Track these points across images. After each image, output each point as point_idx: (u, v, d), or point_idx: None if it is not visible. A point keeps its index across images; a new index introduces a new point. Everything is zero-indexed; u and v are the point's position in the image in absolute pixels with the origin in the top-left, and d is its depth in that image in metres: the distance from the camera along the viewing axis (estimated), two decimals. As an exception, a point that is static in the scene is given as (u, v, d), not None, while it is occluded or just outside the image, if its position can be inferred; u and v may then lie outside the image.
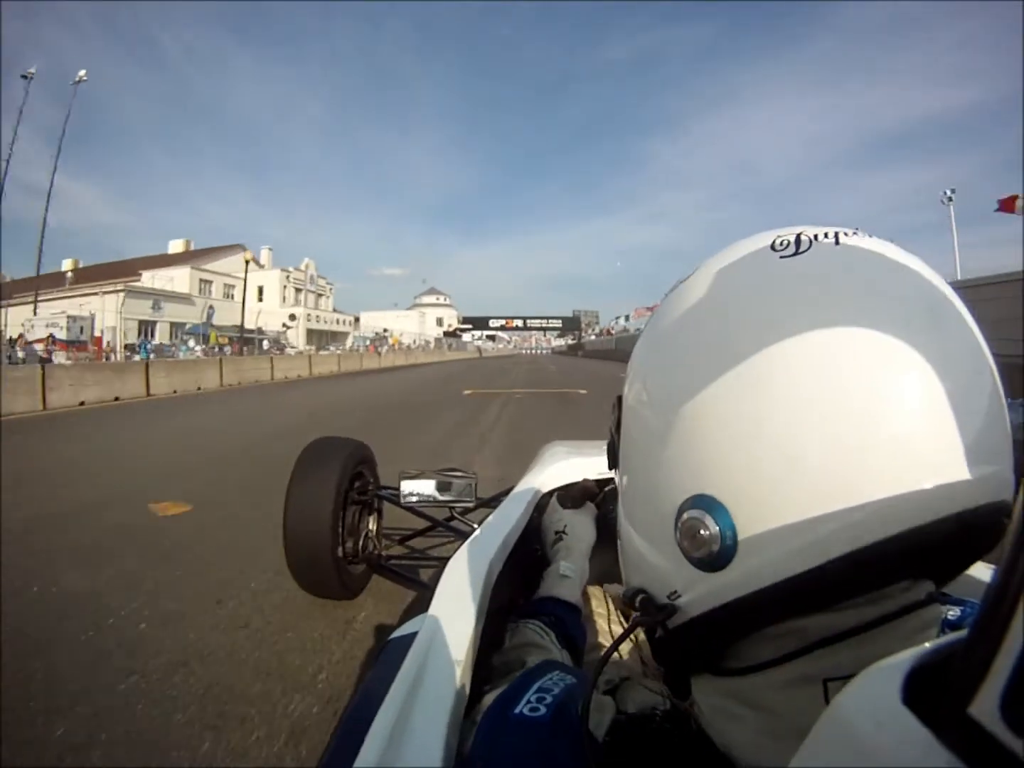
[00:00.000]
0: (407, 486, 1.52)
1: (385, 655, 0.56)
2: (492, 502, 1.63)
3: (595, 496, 0.84)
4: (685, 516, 0.29)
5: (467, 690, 0.46)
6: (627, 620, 0.75)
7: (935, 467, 0.25)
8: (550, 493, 0.93)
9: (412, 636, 0.51)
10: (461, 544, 0.71)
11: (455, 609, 0.54)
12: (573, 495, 0.82)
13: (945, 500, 0.25)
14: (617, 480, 0.38)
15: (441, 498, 1.53)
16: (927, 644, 0.19)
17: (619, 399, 0.38)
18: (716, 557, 0.28)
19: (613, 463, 0.38)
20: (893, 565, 0.26)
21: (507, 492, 1.14)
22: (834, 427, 0.26)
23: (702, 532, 0.28)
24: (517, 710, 0.35)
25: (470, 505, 1.57)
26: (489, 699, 0.40)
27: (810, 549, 0.26)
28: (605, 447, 1.24)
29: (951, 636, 0.19)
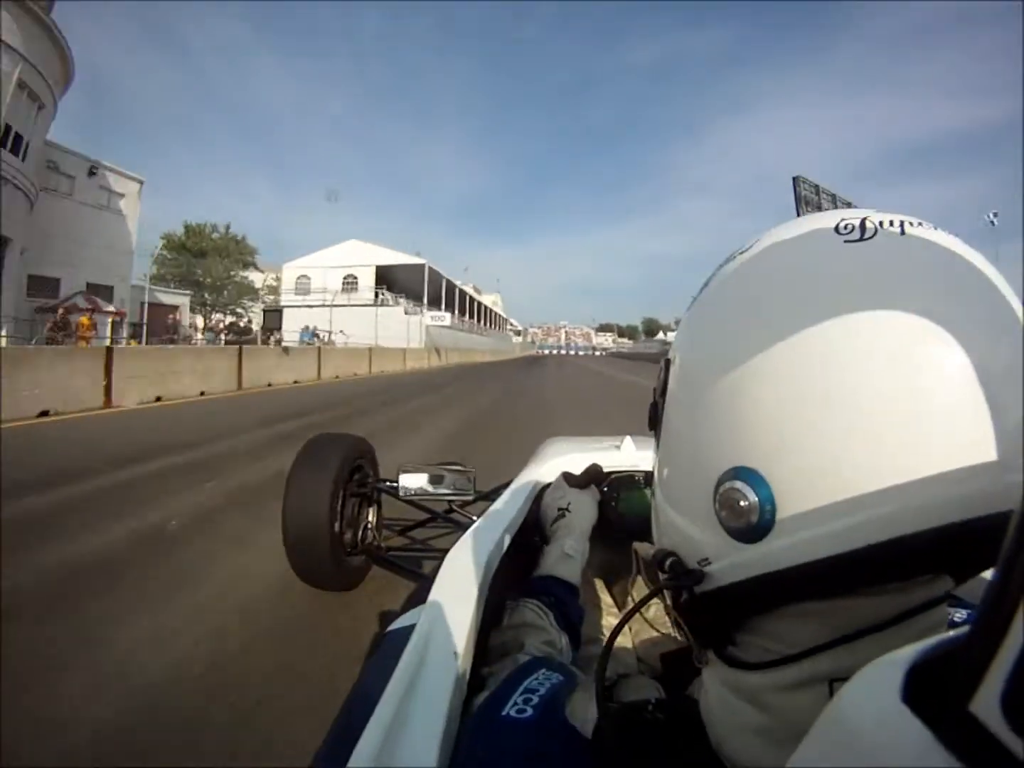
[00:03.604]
0: (406, 479, 1.61)
1: (384, 646, 0.61)
2: (491, 495, 1.70)
3: (601, 481, 0.90)
4: (725, 486, 0.31)
5: (467, 681, 0.49)
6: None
7: (980, 466, 0.27)
8: (550, 485, 0.98)
9: (411, 628, 0.54)
10: (460, 536, 0.76)
11: (454, 601, 0.58)
12: (580, 475, 0.87)
13: (987, 499, 0.26)
14: (655, 443, 0.41)
15: (440, 492, 1.61)
16: (927, 641, 0.20)
17: (666, 362, 0.40)
18: (752, 529, 0.30)
19: (653, 425, 0.41)
20: (926, 557, 0.28)
21: (506, 485, 1.19)
22: (884, 413, 0.27)
23: (741, 503, 0.30)
24: (504, 712, 0.37)
25: (469, 498, 1.66)
26: (478, 701, 0.43)
27: (848, 532, 0.27)
28: (605, 443, 1.31)
29: (951, 633, 0.20)
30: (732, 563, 0.32)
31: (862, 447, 0.27)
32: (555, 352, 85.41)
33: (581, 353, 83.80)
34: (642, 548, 0.82)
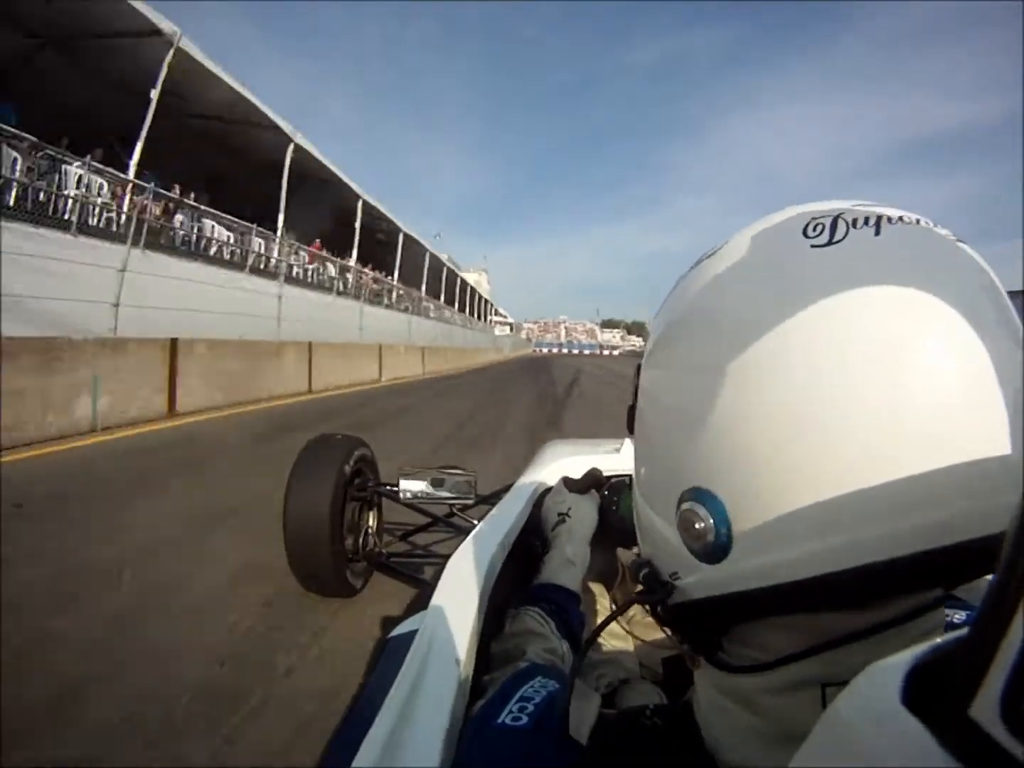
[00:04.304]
0: (406, 483, 1.64)
1: (387, 652, 0.63)
2: (492, 499, 1.72)
3: (601, 485, 0.91)
4: (684, 506, 0.31)
5: (469, 687, 0.50)
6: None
7: (965, 487, 0.25)
8: (550, 489, 0.99)
9: (413, 633, 0.56)
10: (461, 541, 0.77)
11: (456, 606, 0.59)
12: (580, 480, 0.89)
13: (976, 521, 0.25)
14: (633, 449, 0.41)
15: (440, 495, 1.64)
16: (927, 644, 0.20)
17: (638, 367, 0.40)
18: (710, 551, 0.30)
19: (631, 428, 0.41)
20: (899, 582, 0.27)
21: (507, 489, 1.23)
22: (843, 436, 0.26)
23: (697, 525, 0.30)
24: (499, 720, 0.38)
25: (470, 502, 1.68)
26: (475, 709, 0.44)
27: (809, 559, 0.27)
28: (606, 446, 1.33)
29: (951, 636, 0.20)
30: (697, 580, 0.32)
31: (822, 470, 0.26)
32: (555, 351, 72.56)
33: (587, 353, 70.60)
34: (624, 555, 0.84)
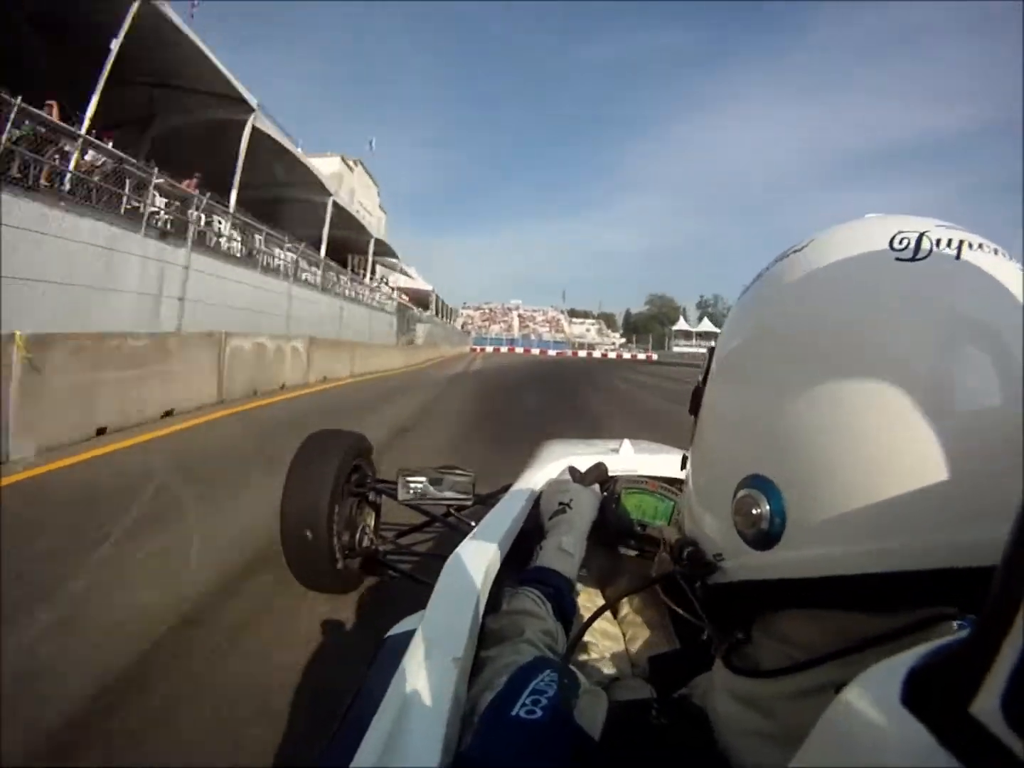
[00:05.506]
0: (405, 482, 1.66)
1: (383, 652, 0.65)
2: (490, 499, 1.74)
3: (605, 481, 0.93)
4: (742, 493, 0.33)
5: (466, 688, 0.50)
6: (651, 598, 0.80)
7: (999, 515, 0.25)
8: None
9: (410, 633, 0.57)
10: (460, 541, 0.78)
11: (453, 606, 0.60)
12: (586, 473, 0.91)
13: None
14: (692, 429, 0.42)
15: (439, 495, 1.66)
16: (926, 646, 0.21)
17: (711, 349, 0.41)
18: (762, 537, 0.32)
19: (694, 409, 0.42)
20: (938, 592, 0.28)
21: (505, 489, 1.26)
22: (908, 448, 0.28)
23: (753, 511, 0.32)
24: (514, 712, 0.38)
25: (468, 503, 1.71)
26: (484, 700, 0.45)
27: (858, 558, 0.28)
28: (604, 446, 1.52)
29: (951, 637, 0.21)
30: (742, 564, 0.34)
31: (885, 476, 0.28)
32: (503, 349, 44.90)
33: (554, 353, 44.32)
34: (667, 531, 0.90)
